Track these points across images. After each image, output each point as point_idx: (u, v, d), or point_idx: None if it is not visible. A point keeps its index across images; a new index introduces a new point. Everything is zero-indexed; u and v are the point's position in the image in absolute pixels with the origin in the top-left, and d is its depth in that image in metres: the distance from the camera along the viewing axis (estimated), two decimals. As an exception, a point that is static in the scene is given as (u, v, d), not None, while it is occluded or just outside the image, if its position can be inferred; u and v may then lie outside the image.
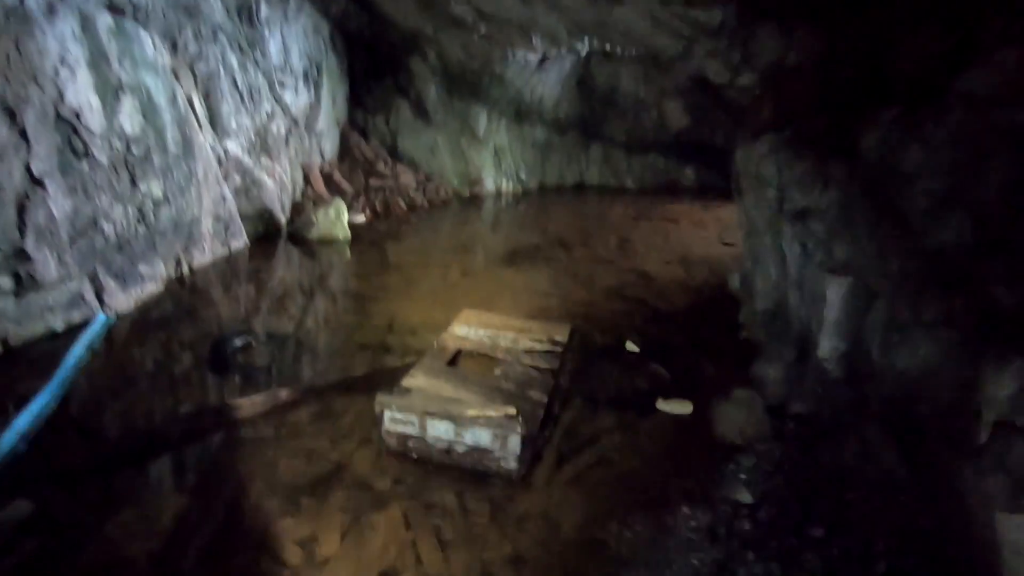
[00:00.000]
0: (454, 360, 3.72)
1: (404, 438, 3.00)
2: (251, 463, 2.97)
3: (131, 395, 3.61)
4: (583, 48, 8.48)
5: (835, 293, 3.00)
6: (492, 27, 8.56)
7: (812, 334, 3.34)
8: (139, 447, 3.03)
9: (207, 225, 6.04)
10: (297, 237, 7.26)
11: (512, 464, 2.85)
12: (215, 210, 6.21)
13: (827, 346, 3.13)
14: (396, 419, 2.98)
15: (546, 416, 3.21)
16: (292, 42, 8.35)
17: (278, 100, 8.01)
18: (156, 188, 5.30)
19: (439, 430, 2.92)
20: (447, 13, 8.45)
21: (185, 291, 5.34)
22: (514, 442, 2.83)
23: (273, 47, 7.86)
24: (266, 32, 7.66)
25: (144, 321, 4.64)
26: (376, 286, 5.81)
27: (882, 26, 3.01)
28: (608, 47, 8.13)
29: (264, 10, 7.57)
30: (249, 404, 3.39)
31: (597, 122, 12.65)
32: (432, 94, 10.97)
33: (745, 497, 2.67)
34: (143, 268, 5.03)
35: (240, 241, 6.60)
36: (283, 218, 7.55)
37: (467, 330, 4.05)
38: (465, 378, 3.38)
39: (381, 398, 3.01)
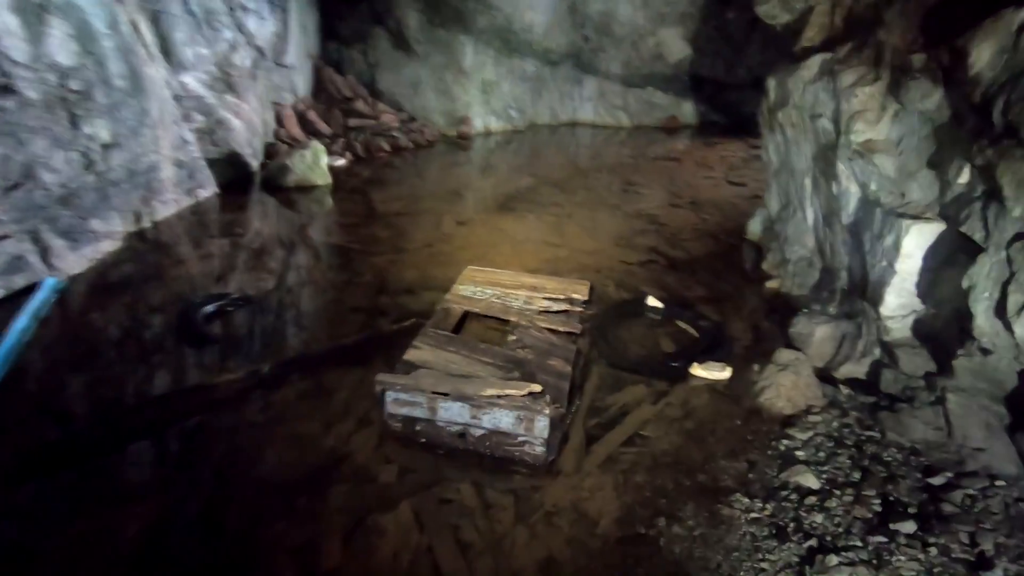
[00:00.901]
0: (460, 325, 3.28)
1: (410, 421, 2.58)
2: (233, 454, 2.55)
3: (90, 372, 3.12)
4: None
5: (914, 242, 2.56)
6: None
7: (870, 288, 2.93)
8: (98, 438, 2.59)
9: (168, 172, 5.36)
10: (272, 184, 6.57)
11: (539, 449, 2.47)
12: (175, 155, 5.49)
13: (894, 303, 2.72)
14: (401, 400, 2.55)
15: (571, 389, 2.80)
16: (252, -42, 7.30)
17: (240, 27, 7.07)
18: (103, 130, 4.59)
19: (452, 412, 2.51)
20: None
21: (148, 248, 4.74)
22: (541, 424, 2.43)
23: (230, -37, 6.85)
24: (220, -55, 6.63)
25: (102, 284, 4.08)
26: (363, 238, 5.26)
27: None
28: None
29: (216, -82, 6.52)
30: (227, 382, 2.93)
31: (591, 53, 11.72)
32: (413, 23, 9.94)
33: (810, 481, 2.32)
34: (96, 223, 4.40)
35: (208, 190, 5.92)
36: (255, 163, 6.82)
37: (473, 290, 3.58)
38: (476, 348, 2.94)
39: (382, 377, 2.57)
